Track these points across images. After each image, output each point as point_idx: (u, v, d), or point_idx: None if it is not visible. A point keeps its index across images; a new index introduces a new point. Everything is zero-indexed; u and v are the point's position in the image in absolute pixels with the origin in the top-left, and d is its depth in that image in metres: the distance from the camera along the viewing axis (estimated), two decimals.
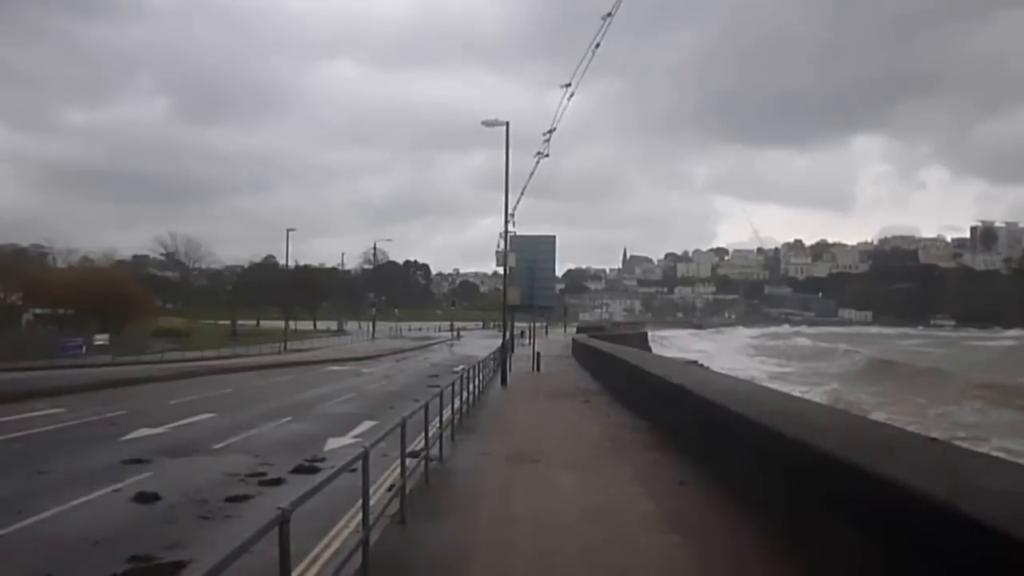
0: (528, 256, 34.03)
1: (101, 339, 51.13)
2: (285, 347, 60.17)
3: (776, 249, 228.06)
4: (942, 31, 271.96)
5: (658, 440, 13.12)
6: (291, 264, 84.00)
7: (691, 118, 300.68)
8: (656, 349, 64.68)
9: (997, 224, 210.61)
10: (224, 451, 13.29)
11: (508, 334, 33.39)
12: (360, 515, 6.23)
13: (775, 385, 27.33)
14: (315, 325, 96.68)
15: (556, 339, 64.92)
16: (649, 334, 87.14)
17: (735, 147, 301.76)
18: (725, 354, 74.29)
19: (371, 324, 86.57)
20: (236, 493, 9.86)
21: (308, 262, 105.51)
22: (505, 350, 28.79)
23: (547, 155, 25.57)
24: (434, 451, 10.79)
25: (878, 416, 22.52)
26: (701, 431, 10.67)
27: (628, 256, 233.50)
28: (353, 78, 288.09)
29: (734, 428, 8.76)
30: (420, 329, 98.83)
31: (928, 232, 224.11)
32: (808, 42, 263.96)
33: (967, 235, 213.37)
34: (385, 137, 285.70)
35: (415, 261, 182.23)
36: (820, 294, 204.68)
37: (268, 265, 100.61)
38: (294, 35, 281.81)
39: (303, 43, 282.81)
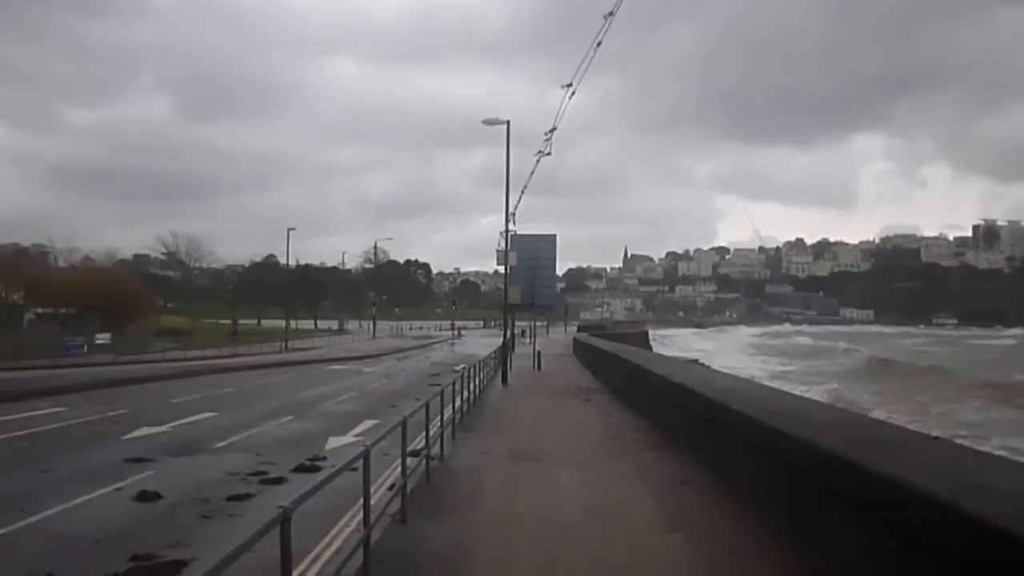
0: (529, 255, 34.07)
1: (103, 338, 51.21)
2: (286, 346, 60.27)
3: (777, 248, 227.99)
4: (943, 27, 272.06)
5: (659, 439, 13.12)
6: (292, 263, 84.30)
7: (692, 115, 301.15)
8: (657, 348, 64.66)
9: (1000, 222, 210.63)
10: (225, 450, 13.30)
11: (509, 333, 33.41)
12: (361, 514, 6.23)
13: (776, 384, 27.32)
14: (316, 324, 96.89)
15: (557, 338, 64.91)
16: (650, 333, 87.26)
17: (736, 145, 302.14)
18: (726, 353, 74.30)
19: (372, 323, 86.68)
20: (237, 492, 9.86)
21: (309, 261, 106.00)
22: (506, 349, 28.81)
23: (548, 153, 25.58)
24: (435, 450, 10.79)
25: (878, 414, 22.52)
26: (702, 430, 10.67)
27: (629, 255, 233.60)
28: (354, 75, 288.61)
29: (736, 427, 8.76)
30: (421, 328, 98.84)
31: (930, 230, 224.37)
32: (809, 39, 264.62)
33: (969, 233, 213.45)
34: (386, 134, 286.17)
35: (416, 260, 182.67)
36: (822, 293, 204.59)
37: (269, 264, 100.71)
38: (295, 32, 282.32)
39: (304, 40, 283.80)
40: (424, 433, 9.93)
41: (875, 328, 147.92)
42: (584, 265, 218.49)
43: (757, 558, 6.68)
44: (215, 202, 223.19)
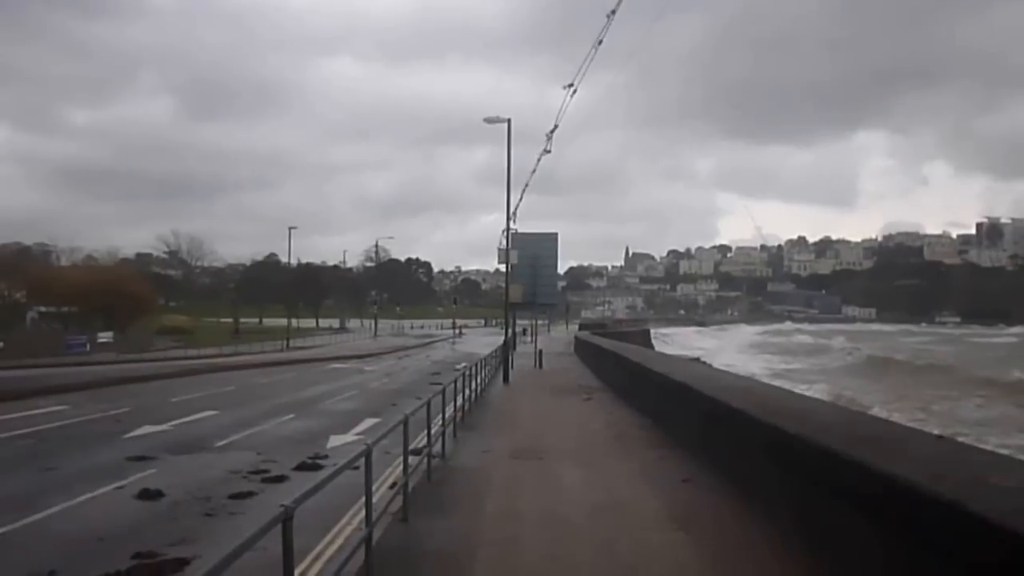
0: (530, 253, 33.95)
1: (105, 337, 51.32)
2: (288, 345, 60.31)
3: (779, 246, 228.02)
4: (945, 23, 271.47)
5: (662, 437, 13.10)
6: (293, 262, 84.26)
7: (693, 113, 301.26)
8: (658, 346, 64.61)
9: (1003, 220, 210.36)
10: (227, 448, 13.30)
11: (510, 331, 33.41)
12: (363, 512, 6.22)
13: (777, 382, 27.30)
14: (317, 323, 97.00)
15: (558, 336, 64.92)
16: (651, 331, 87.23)
17: (738, 142, 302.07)
18: (728, 351, 74.31)
19: (373, 322, 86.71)
20: (239, 490, 9.87)
21: (310, 260, 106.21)
22: (507, 347, 28.80)
23: (549, 151, 25.56)
24: (437, 448, 10.78)
25: (878, 412, 22.49)
26: (705, 428, 10.67)
27: (630, 253, 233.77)
28: (354, 74, 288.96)
29: (738, 425, 8.75)
30: (422, 327, 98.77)
31: (933, 228, 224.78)
32: (810, 36, 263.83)
33: (972, 231, 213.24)
34: (387, 133, 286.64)
35: (417, 259, 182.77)
36: (824, 291, 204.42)
37: (271, 263, 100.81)
38: (294, 32, 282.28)
39: (303, 39, 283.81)
40: (426, 431, 9.92)
41: (875, 326, 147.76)
42: (585, 263, 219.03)
43: (762, 555, 6.66)
44: (216, 201, 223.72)
